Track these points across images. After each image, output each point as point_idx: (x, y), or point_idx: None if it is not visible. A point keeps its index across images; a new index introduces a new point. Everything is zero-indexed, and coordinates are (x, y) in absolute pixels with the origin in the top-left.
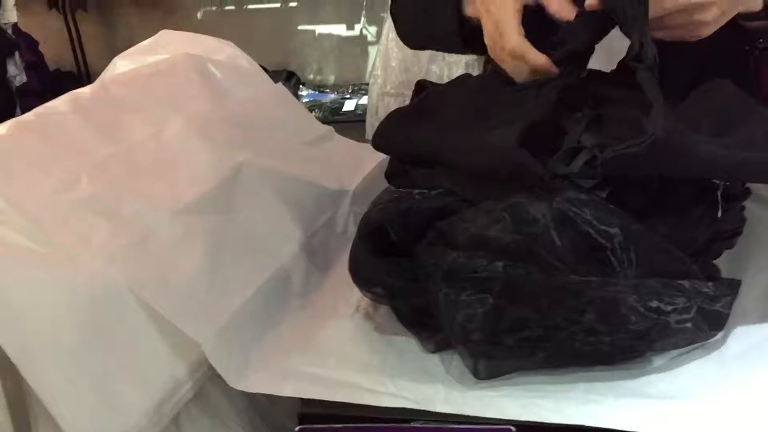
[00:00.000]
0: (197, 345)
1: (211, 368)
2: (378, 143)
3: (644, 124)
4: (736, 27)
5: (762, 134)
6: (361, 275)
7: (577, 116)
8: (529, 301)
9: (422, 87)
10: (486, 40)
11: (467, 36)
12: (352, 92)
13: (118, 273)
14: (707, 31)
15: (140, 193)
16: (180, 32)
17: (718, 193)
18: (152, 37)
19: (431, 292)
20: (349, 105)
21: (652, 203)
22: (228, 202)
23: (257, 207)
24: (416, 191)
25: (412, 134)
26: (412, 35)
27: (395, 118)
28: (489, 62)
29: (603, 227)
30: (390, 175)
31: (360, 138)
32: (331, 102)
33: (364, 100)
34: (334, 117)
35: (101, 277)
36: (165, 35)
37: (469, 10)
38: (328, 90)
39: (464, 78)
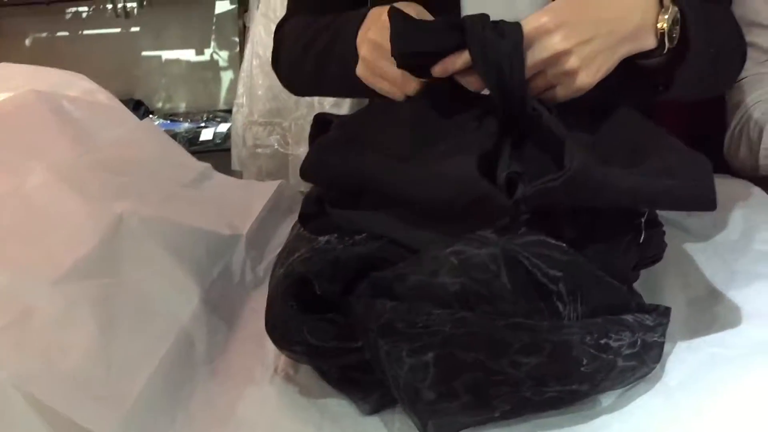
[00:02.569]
0: None
1: None
2: (308, 173)
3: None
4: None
5: (677, 162)
6: (280, 334)
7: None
8: (479, 349)
9: (324, 121)
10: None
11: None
12: (207, 120)
13: None
14: (587, 80)
15: (9, 261)
16: (21, 65)
17: (642, 220)
18: None
19: (370, 348)
20: (206, 134)
21: (583, 233)
22: (113, 262)
23: (146, 264)
24: (336, 236)
25: (349, 163)
26: (303, 89)
27: (326, 147)
28: None
29: (550, 270)
30: (305, 217)
31: (223, 168)
32: (186, 131)
33: (221, 128)
34: (191, 147)
35: None
36: (3, 69)
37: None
38: (180, 119)
39: (383, 106)
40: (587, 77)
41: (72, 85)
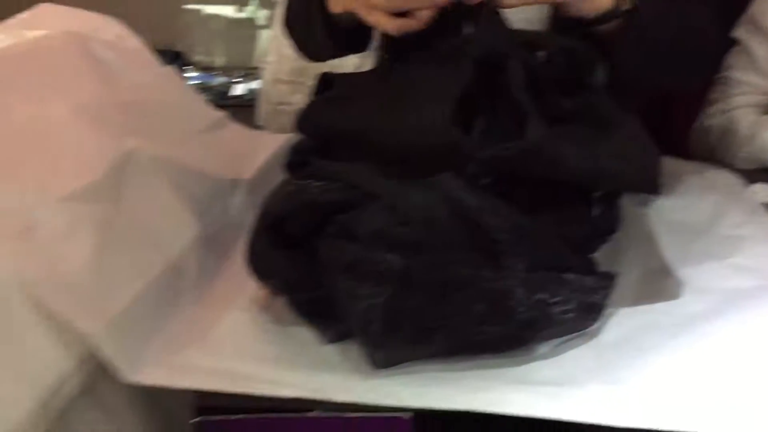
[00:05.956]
0: (86, 338)
1: (101, 362)
2: (302, 126)
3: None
4: None
5: (632, 148)
6: (258, 268)
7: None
8: (425, 292)
9: (328, 79)
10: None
11: (337, 38)
12: (243, 76)
13: (4, 267)
14: None
15: (20, 181)
16: (62, 6)
17: (596, 195)
18: (30, 10)
19: (330, 284)
20: (239, 89)
21: (536, 199)
22: (117, 191)
23: (148, 196)
24: (315, 183)
25: (337, 116)
26: (303, 50)
27: (320, 103)
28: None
29: (494, 222)
30: (290, 165)
31: (250, 123)
32: (220, 85)
33: (254, 84)
34: (222, 100)
35: None
36: (45, 9)
37: (333, 7)
38: (216, 72)
39: (376, 65)
40: None
41: (106, 30)
